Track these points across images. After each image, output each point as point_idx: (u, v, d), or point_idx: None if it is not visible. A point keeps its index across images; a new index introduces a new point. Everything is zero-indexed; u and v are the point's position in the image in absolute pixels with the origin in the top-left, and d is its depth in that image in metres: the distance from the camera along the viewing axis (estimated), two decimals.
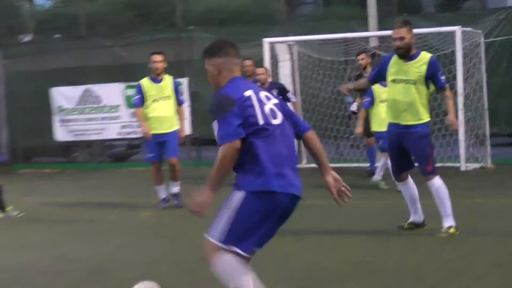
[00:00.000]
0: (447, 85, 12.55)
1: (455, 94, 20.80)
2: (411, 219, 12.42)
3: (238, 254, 7.36)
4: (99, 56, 26.23)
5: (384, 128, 14.33)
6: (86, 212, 16.18)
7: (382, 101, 16.08)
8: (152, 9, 34.21)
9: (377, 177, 17.88)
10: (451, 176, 19.77)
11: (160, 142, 16.12)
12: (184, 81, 24.35)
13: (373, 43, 23.15)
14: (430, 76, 12.25)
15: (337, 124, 22.68)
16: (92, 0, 34.90)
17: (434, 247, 10.80)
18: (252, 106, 7.49)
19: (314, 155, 7.82)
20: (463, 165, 20.79)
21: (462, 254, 10.19)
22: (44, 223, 14.87)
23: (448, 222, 11.83)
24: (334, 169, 7.44)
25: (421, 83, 12.22)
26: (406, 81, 12.29)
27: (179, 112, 16.79)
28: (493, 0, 42.78)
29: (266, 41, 22.77)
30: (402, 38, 12.61)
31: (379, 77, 13.06)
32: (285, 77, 23.28)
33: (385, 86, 14.67)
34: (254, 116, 7.44)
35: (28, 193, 19.51)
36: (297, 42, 23.40)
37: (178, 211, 15.45)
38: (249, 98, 7.51)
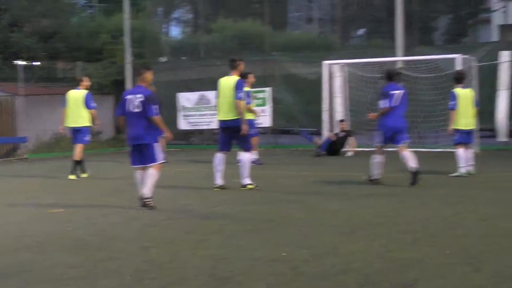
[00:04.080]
0: None
1: None
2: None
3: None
4: (211, 72, 26.27)
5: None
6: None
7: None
8: (249, 40, 34.26)
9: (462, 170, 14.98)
10: (450, 157, 19.42)
11: None
12: (269, 90, 24.41)
13: (399, 65, 22.82)
14: None
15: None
16: (209, 34, 35.06)
17: (438, 206, 10.49)
18: None
19: None
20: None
21: (457, 212, 9.89)
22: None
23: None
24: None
25: None
26: None
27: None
28: (483, 36, 41.95)
29: (325, 63, 22.65)
30: None
31: None
32: (338, 87, 23.13)
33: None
34: None
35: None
36: (347, 63, 23.19)
37: None
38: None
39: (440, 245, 7.65)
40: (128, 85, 26.26)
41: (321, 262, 6.99)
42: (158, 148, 10.84)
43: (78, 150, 15.98)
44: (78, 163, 16.03)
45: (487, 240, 7.91)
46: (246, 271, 6.70)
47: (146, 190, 10.68)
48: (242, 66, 13.03)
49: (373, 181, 13.43)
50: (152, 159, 10.76)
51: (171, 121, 26.21)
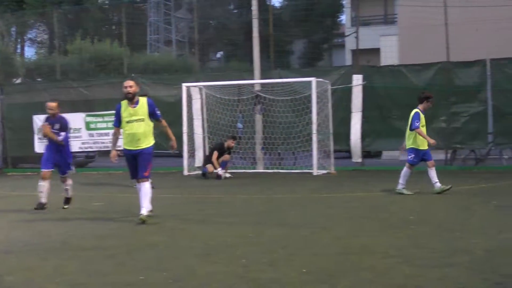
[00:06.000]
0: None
1: (310, 123, 21.08)
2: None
3: None
4: (68, 94, 25.77)
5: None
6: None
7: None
8: (107, 62, 33.88)
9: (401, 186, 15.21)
10: (307, 178, 19.93)
11: None
12: None
13: (257, 88, 23.19)
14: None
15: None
16: (65, 55, 34.40)
17: (296, 226, 10.67)
18: None
19: None
20: (315, 171, 20.95)
21: (314, 231, 10.08)
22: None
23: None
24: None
25: None
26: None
27: None
28: (337, 61, 43.41)
29: (184, 85, 22.71)
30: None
31: None
32: (197, 110, 23.23)
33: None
34: None
35: (14, 190, 18.98)
36: (205, 86, 23.33)
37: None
38: None
39: (297, 264, 7.78)
40: None
41: (180, 285, 6.95)
42: None
43: None
44: None
45: (342, 257, 8.12)
46: None
47: None
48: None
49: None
50: None
51: (27, 143, 25.49)
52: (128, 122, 11.48)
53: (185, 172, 22.26)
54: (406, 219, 11.21)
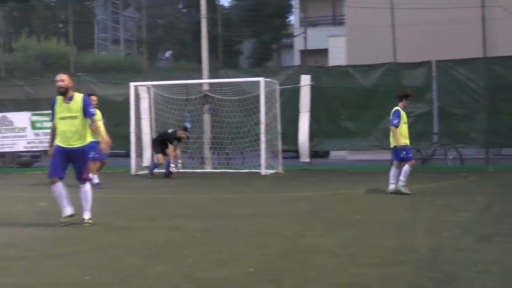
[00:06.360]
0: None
1: (259, 123, 21.15)
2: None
3: None
4: (13, 92, 25.43)
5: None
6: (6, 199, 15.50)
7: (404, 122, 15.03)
8: (54, 60, 33.51)
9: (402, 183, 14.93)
10: (255, 178, 19.99)
11: None
12: None
13: (205, 87, 23.16)
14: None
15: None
16: (11, 53, 33.90)
17: (244, 225, 10.70)
18: None
19: None
20: (263, 171, 21.01)
21: (261, 231, 10.12)
22: None
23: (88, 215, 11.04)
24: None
25: None
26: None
27: None
28: (285, 61, 43.64)
29: (132, 84, 22.57)
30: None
31: None
32: (145, 109, 23.12)
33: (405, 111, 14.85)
34: None
35: None
36: (153, 85, 23.22)
37: None
38: None
39: (244, 263, 7.80)
40: None
41: (127, 285, 6.91)
42: None
43: None
44: None
45: (288, 257, 8.16)
46: None
47: None
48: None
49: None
50: None
51: None
52: (61, 118, 10.89)
53: (133, 172, 22.12)
54: (353, 219, 11.32)
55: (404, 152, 14.89)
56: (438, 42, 25.10)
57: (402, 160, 14.94)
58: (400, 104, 15.02)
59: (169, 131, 21.07)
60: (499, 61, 21.91)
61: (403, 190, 14.75)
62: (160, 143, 20.72)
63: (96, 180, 17.28)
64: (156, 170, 20.90)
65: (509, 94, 21.51)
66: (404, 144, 14.90)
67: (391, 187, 14.88)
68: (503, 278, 6.93)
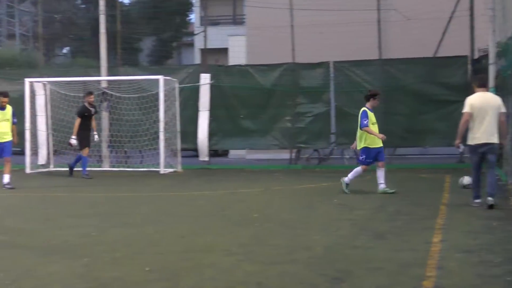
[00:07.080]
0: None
1: (158, 121, 21.04)
2: None
3: None
4: None
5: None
6: None
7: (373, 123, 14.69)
8: None
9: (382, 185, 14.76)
10: (154, 177, 19.88)
11: None
12: None
13: (104, 85, 22.86)
14: None
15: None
16: None
17: (140, 224, 10.63)
18: None
19: None
20: (162, 170, 20.91)
21: (158, 230, 10.08)
22: None
23: None
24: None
25: None
26: None
27: None
28: (186, 59, 43.57)
29: (27, 80, 22.05)
30: None
31: None
32: (40, 106, 22.65)
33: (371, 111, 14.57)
34: None
35: None
36: (50, 82, 22.77)
37: None
38: None
39: (140, 262, 7.76)
40: None
41: (18, 286, 6.77)
42: None
43: None
44: None
45: (185, 255, 8.18)
46: None
47: None
48: None
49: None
50: None
51: None
52: None
53: (28, 170, 21.60)
54: (251, 217, 11.40)
55: (364, 157, 14.71)
56: (336, 43, 25.53)
57: (361, 163, 14.79)
58: (368, 104, 14.85)
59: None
60: (393, 63, 22.49)
61: (344, 188, 14.79)
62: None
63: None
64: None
65: (402, 96, 22.10)
66: (369, 146, 14.66)
67: (381, 187, 14.74)
68: (394, 274, 7.14)
